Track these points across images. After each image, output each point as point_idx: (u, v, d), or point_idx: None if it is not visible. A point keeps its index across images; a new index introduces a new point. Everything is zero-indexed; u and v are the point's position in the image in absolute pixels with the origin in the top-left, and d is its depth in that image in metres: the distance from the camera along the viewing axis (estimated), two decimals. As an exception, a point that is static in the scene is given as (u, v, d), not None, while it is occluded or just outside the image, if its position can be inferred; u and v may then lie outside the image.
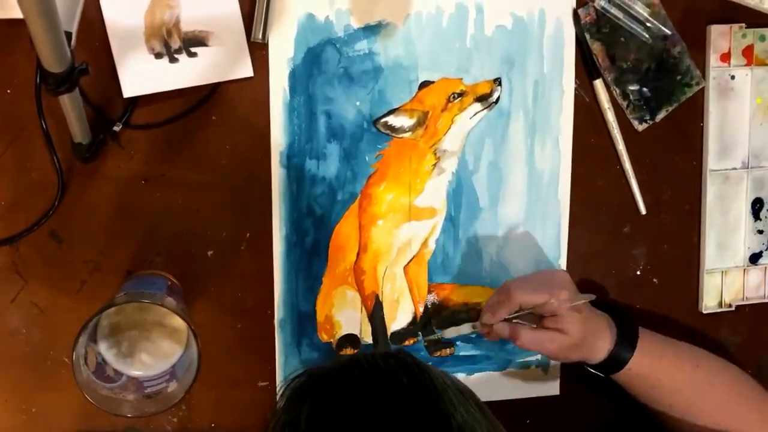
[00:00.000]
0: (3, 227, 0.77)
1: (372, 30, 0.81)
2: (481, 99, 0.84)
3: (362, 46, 0.81)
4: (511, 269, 0.88)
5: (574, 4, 0.84)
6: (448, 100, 0.83)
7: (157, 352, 0.78)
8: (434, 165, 0.84)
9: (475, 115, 0.84)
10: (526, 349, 0.80)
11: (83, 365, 0.71)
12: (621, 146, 0.87)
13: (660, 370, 0.81)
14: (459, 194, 0.85)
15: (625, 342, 0.80)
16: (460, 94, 0.83)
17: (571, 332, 0.78)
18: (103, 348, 0.77)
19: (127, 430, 0.82)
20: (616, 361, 0.80)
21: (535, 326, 0.80)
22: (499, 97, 0.84)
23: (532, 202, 0.87)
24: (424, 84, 0.83)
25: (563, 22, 0.84)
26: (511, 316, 0.80)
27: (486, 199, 0.86)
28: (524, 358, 0.90)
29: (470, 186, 0.85)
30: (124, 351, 0.78)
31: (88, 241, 0.79)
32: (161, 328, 0.78)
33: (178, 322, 0.77)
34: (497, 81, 0.84)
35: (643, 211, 0.89)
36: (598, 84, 0.86)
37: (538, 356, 0.90)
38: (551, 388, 0.91)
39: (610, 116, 0.86)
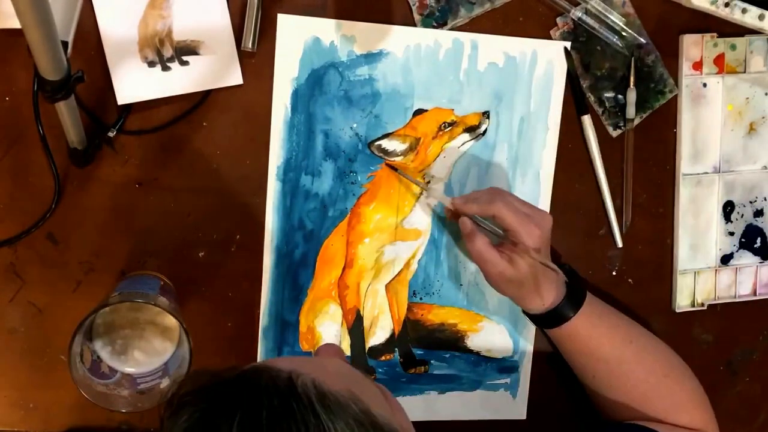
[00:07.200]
0: (2, 229, 0.78)
1: (373, 57, 0.83)
2: (469, 130, 0.86)
3: (363, 71, 0.83)
4: (487, 293, 0.89)
5: (568, 45, 0.86)
6: (439, 129, 0.85)
7: (150, 349, 0.79)
8: (422, 190, 0.86)
9: (463, 144, 0.86)
10: (471, 255, 0.79)
11: (79, 362, 0.71)
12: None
13: (593, 336, 0.81)
14: (443, 219, 0.87)
15: (572, 300, 0.80)
16: (451, 124, 0.85)
17: (518, 268, 0.77)
18: (98, 346, 0.78)
19: (121, 424, 0.83)
20: (556, 315, 0.80)
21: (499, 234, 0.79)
22: (486, 129, 0.86)
23: None
24: (418, 112, 0.85)
25: (554, 64, 0.86)
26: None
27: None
28: (494, 381, 0.91)
29: None
30: (118, 349, 0.78)
31: (84, 242, 0.80)
32: (154, 326, 0.79)
33: (170, 320, 0.78)
34: (486, 114, 0.86)
35: (620, 244, 0.92)
36: (586, 119, 0.88)
37: (508, 380, 0.91)
38: (519, 412, 0.92)
39: (596, 152, 0.89)
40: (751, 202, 0.94)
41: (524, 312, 0.85)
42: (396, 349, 0.89)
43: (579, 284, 0.83)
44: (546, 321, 0.82)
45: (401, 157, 0.85)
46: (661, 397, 0.82)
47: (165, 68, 0.78)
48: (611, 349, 0.82)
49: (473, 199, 0.80)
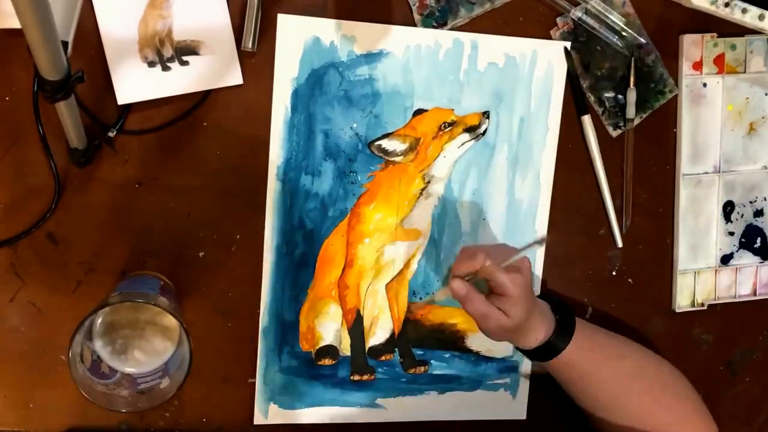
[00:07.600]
0: (2, 229, 0.78)
1: (373, 57, 0.83)
2: (469, 130, 0.86)
3: (363, 71, 0.83)
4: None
5: (568, 45, 0.87)
6: (439, 129, 0.85)
7: (150, 349, 0.79)
8: (422, 189, 0.86)
9: (463, 144, 0.86)
10: (471, 314, 0.78)
11: (79, 362, 0.71)
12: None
13: (588, 361, 0.81)
14: (443, 219, 0.87)
15: (563, 331, 0.81)
16: (451, 124, 0.85)
17: (514, 316, 0.77)
18: (98, 346, 0.78)
19: (121, 424, 0.83)
20: (550, 349, 0.80)
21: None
22: (486, 129, 0.86)
23: (510, 231, 0.89)
24: (418, 112, 0.85)
25: (554, 64, 0.87)
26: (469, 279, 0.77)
27: (468, 224, 0.88)
28: (494, 381, 0.91)
29: (454, 211, 0.87)
30: (118, 349, 0.78)
31: (84, 242, 0.80)
32: (154, 326, 0.79)
33: (170, 320, 0.78)
34: (486, 114, 0.86)
35: (620, 244, 0.92)
36: (586, 119, 0.88)
37: (507, 380, 0.91)
38: (518, 412, 0.92)
39: (596, 152, 0.89)
40: (751, 202, 0.94)
41: (518, 349, 0.84)
42: (396, 349, 0.89)
43: (567, 313, 0.83)
44: (541, 355, 0.82)
45: (401, 157, 0.85)
46: (664, 410, 0.82)
47: (165, 68, 0.78)
48: (608, 370, 0.82)
49: (456, 265, 0.78)
